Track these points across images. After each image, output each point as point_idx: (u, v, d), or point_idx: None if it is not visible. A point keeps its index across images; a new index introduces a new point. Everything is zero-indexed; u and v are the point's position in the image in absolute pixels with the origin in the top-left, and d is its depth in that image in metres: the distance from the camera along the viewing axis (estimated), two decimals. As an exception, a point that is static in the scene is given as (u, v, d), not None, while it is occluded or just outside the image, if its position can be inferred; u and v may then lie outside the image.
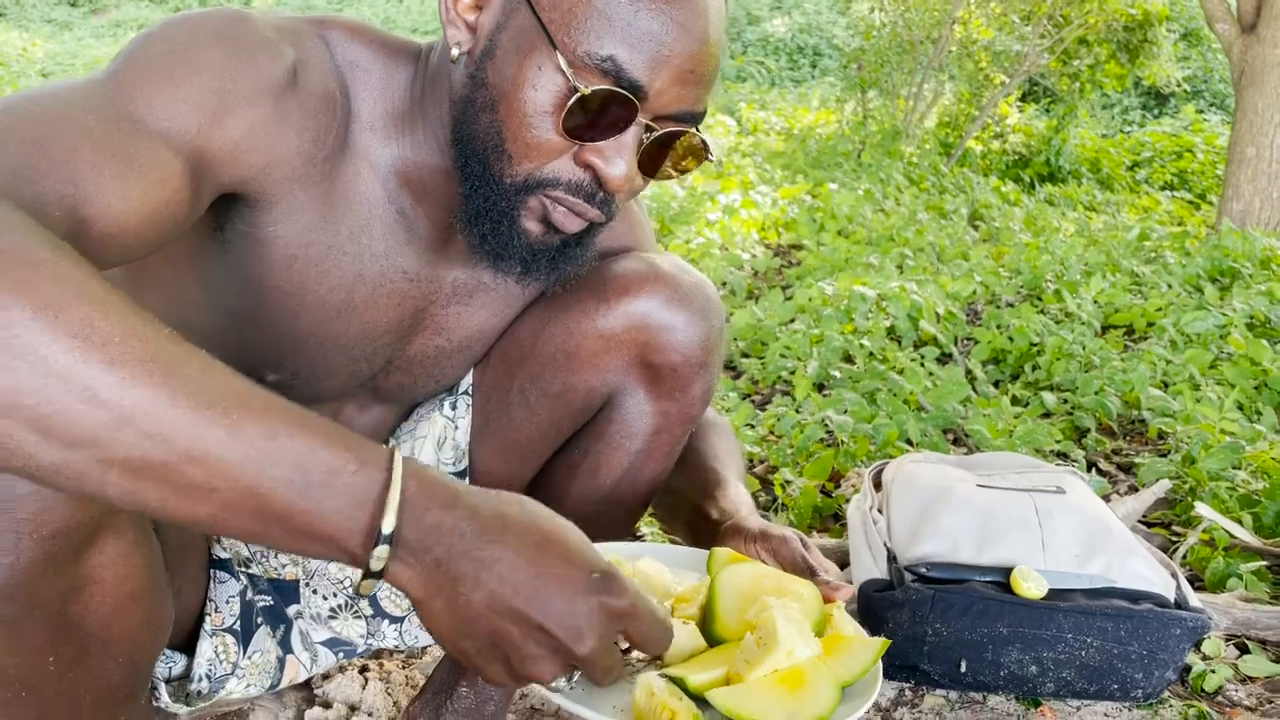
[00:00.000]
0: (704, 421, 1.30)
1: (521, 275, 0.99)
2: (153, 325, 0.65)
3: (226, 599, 1.13)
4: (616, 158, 0.93)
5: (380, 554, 0.68)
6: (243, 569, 1.18)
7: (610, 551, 0.97)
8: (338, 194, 0.98)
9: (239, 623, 1.13)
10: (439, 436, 1.19)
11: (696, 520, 1.17)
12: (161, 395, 0.63)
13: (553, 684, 0.78)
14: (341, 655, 1.23)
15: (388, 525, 0.67)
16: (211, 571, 1.14)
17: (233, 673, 1.11)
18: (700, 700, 0.83)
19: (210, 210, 0.93)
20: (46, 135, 0.75)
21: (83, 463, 0.63)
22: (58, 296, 0.62)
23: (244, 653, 1.12)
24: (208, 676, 1.09)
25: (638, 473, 1.17)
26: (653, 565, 0.99)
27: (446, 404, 1.19)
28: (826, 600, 0.97)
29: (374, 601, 1.22)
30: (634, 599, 0.73)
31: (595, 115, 0.90)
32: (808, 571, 1.00)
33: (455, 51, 0.94)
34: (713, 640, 0.92)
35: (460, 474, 1.17)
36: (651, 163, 0.96)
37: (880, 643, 0.90)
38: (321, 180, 0.96)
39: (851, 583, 1.53)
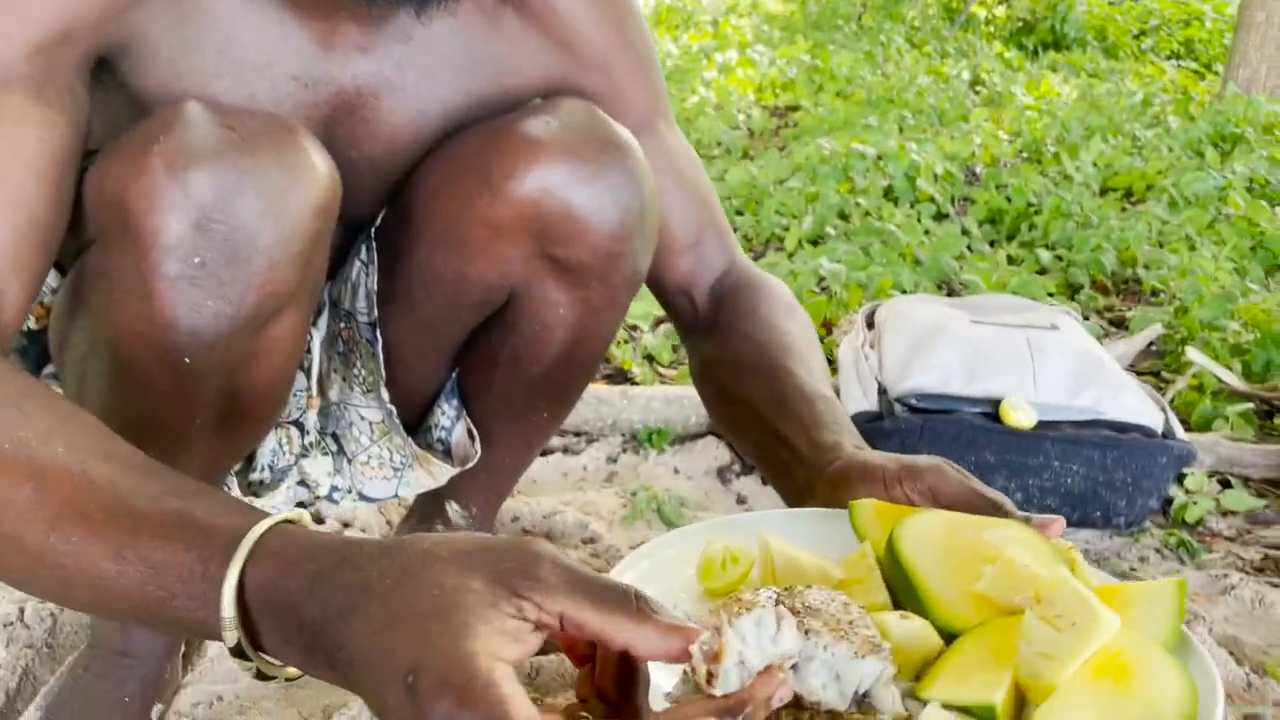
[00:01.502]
0: (757, 289, 1.08)
1: (419, 7, 0.89)
2: (28, 423, 0.62)
3: (294, 392, 1.08)
4: None
5: (244, 666, 0.59)
6: None
7: (714, 538, 0.75)
8: (193, 21, 0.88)
9: (302, 415, 1.11)
10: (355, 280, 1.08)
11: (777, 450, 0.93)
12: (20, 498, 0.60)
13: None
14: (308, 494, 1.21)
15: (229, 640, 0.57)
16: None
17: (295, 464, 1.10)
18: None
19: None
20: None
21: None
22: None
23: (305, 444, 1.12)
24: (270, 467, 1.08)
25: (572, 357, 1.06)
26: (782, 551, 0.73)
27: (363, 246, 1.07)
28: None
29: (336, 438, 1.18)
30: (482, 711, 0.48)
31: None
32: (993, 507, 0.77)
33: None
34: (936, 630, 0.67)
35: (373, 325, 1.07)
36: None
37: (1177, 584, 0.67)
38: (166, 9, 0.86)
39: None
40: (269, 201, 0.77)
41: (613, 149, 0.93)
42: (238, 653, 0.57)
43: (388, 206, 1.05)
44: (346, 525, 1.42)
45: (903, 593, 0.69)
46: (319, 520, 1.42)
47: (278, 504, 1.10)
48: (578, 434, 1.79)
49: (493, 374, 1.09)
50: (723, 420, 1.08)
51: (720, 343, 1.05)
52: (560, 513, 1.51)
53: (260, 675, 0.59)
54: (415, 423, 1.15)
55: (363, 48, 0.95)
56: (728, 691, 0.52)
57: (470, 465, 1.14)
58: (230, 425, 0.89)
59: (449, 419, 1.16)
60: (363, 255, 1.06)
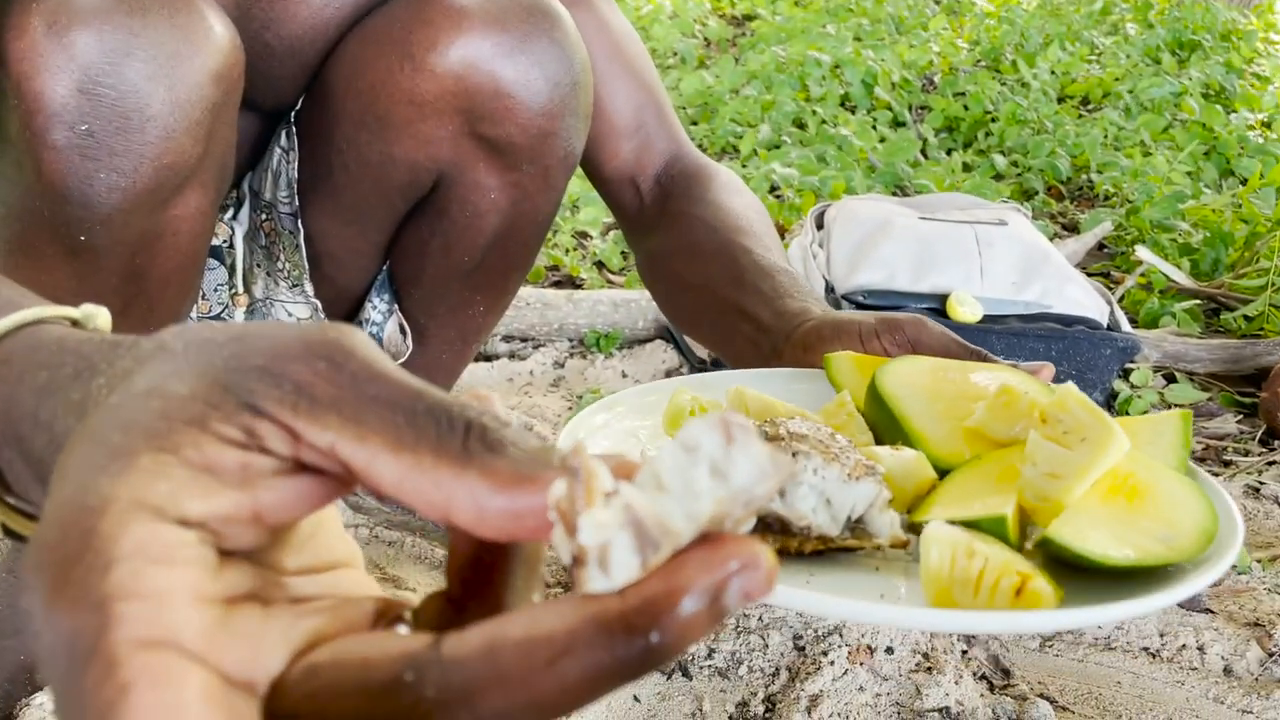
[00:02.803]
0: (705, 175, 1.05)
1: None
2: None
3: (215, 286, 1.06)
4: None
5: None
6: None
7: (680, 391, 0.68)
8: None
9: (225, 311, 1.07)
10: (275, 169, 1.03)
11: (739, 326, 0.89)
12: None
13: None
14: None
15: None
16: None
17: None
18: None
19: None
20: None
21: None
22: None
23: None
24: None
25: (506, 242, 1.00)
26: (756, 398, 0.67)
27: (283, 133, 1.01)
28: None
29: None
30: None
31: None
32: (972, 354, 0.73)
33: None
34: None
35: (294, 215, 1.02)
36: None
37: (1182, 415, 0.63)
38: None
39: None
40: (160, 65, 0.72)
41: (539, 18, 0.87)
42: None
43: (306, 93, 0.99)
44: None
45: (889, 435, 0.63)
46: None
47: None
48: (524, 339, 1.76)
49: (423, 264, 1.04)
50: (677, 310, 1.04)
51: (669, 232, 1.01)
52: (504, 415, 1.49)
53: (8, 533, 0.40)
54: (346, 319, 1.12)
55: None
56: (613, 588, 0.26)
57: (401, 361, 1.11)
58: (137, 314, 0.85)
59: (380, 314, 1.12)
60: (283, 142, 1.02)
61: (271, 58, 0.94)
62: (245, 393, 0.29)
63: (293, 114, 1.01)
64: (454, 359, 1.21)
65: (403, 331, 1.12)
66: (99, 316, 0.39)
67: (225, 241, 1.07)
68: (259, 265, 1.09)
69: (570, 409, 1.55)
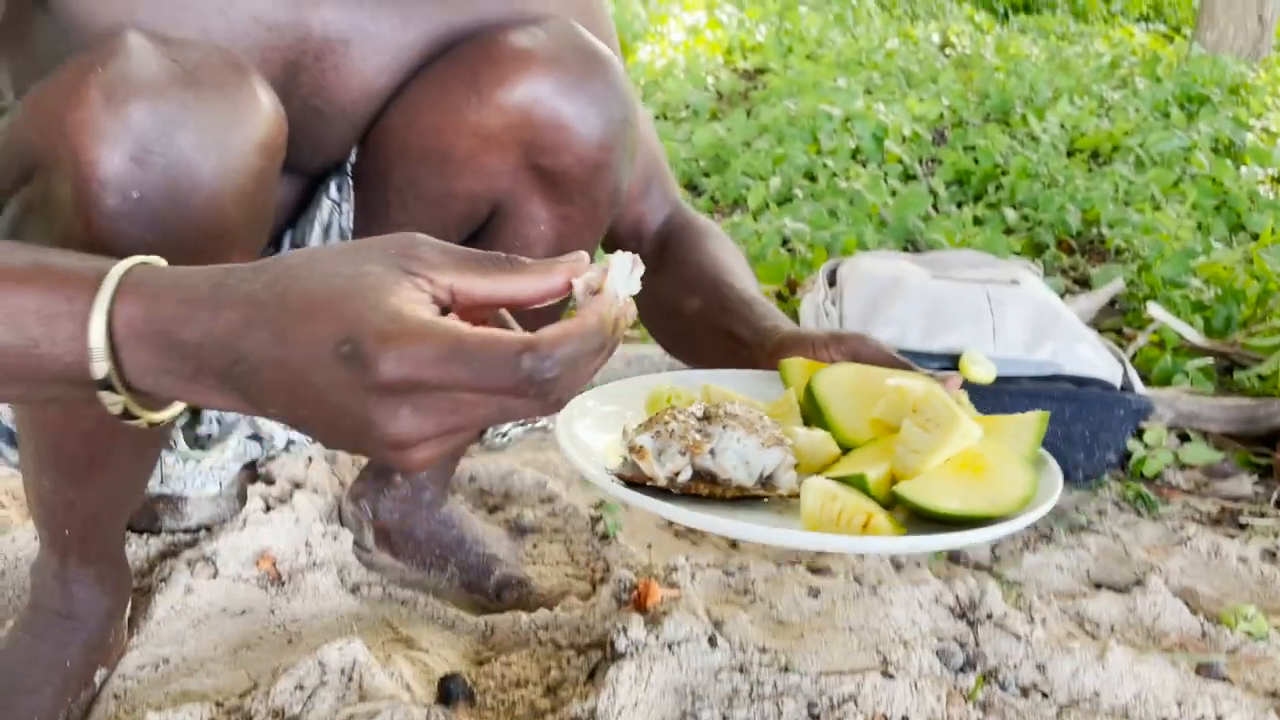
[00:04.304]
0: (699, 230, 1.15)
1: None
2: None
3: None
4: None
5: (111, 400, 0.59)
6: None
7: (659, 383, 0.84)
8: None
9: None
10: (325, 221, 1.06)
11: (723, 343, 1.01)
12: None
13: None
14: (265, 445, 1.19)
15: (98, 371, 0.57)
16: None
17: (244, 416, 1.07)
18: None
19: None
20: None
21: None
22: None
23: None
24: (218, 420, 1.06)
25: None
26: (720, 389, 0.83)
27: (332, 184, 1.05)
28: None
29: None
30: (409, 357, 0.51)
31: None
32: (903, 366, 0.85)
33: None
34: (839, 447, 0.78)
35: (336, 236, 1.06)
36: None
37: (1039, 416, 0.77)
38: None
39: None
40: (210, 135, 0.74)
41: (598, 62, 0.94)
42: (105, 385, 0.57)
43: (360, 145, 1.03)
44: (298, 485, 1.39)
45: (816, 421, 0.79)
46: (269, 481, 1.40)
47: (227, 459, 1.08)
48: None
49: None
50: (670, 336, 1.14)
51: (665, 274, 1.09)
52: (518, 472, 1.49)
53: (126, 415, 0.59)
54: None
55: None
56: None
57: None
58: None
59: None
60: (333, 194, 1.05)
61: (320, 122, 0.98)
62: (404, 266, 0.55)
63: (349, 166, 1.04)
64: None
65: None
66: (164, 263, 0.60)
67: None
68: None
69: (583, 465, 1.56)
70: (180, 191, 0.74)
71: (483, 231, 1.03)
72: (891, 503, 0.70)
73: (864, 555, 1.31)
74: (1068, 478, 1.54)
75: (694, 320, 1.05)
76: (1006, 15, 7.33)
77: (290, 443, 1.15)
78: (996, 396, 1.48)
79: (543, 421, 0.60)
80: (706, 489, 0.69)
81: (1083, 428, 1.48)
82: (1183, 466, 1.66)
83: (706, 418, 0.71)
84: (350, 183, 1.03)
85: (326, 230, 1.05)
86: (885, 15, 6.25)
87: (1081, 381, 1.51)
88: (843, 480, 0.70)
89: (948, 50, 5.50)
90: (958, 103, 3.98)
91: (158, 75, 0.73)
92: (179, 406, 0.64)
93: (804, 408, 0.80)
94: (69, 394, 0.60)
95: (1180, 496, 1.57)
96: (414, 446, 0.54)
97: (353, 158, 1.03)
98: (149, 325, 0.56)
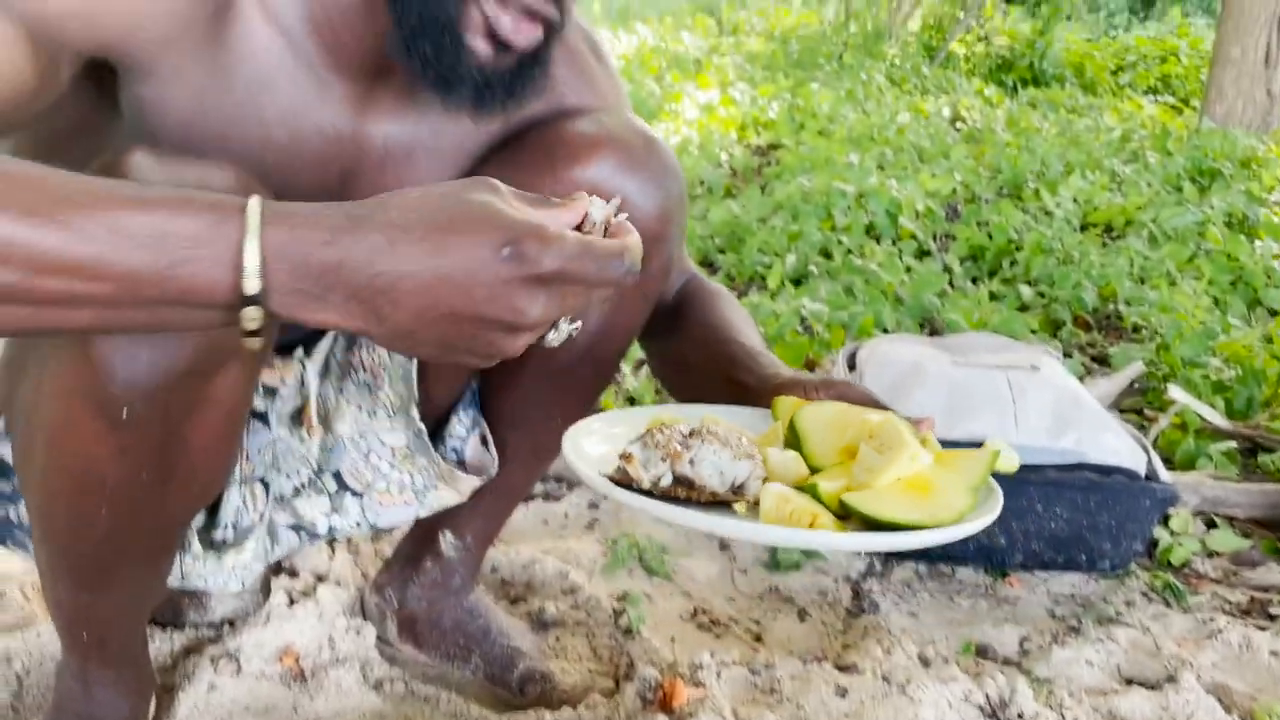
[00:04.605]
0: (710, 292, 1.23)
1: (475, 108, 0.90)
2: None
3: (259, 448, 1.09)
4: None
5: (251, 315, 0.65)
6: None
7: (664, 411, 0.94)
8: (230, 55, 0.88)
9: (267, 475, 1.11)
10: None
11: (728, 390, 1.07)
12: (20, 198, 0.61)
13: (548, 340, 0.74)
14: (304, 536, 1.20)
15: (251, 287, 0.64)
16: (248, 420, 1.11)
17: (260, 521, 1.08)
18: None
19: (95, 81, 0.86)
20: None
21: None
22: None
23: (268, 504, 1.10)
24: (233, 525, 1.07)
25: (596, 349, 1.11)
26: (715, 420, 0.92)
27: None
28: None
29: (337, 476, 1.19)
30: (561, 253, 0.66)
31: None
32: (883, 408, 0.94)
33: None
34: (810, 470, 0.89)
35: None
36: None
37: (991, 452, 0.85)
38: (207, 43, 0.87)
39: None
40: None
41: (656, 145, 1.04)
42: (251, 301, 0.64)
43: None
44: (321, 578, 1.39)
45: (793, 448, 0.88)
46: (292, 573, 1.40)
47: (245, 560, 1.08)
48: (558, 479, 1.77)
49: (523, 367, 1.11)
50: (685, 389, 1.19)
51: (678, 334, 1.16)
52: (539, 562, 1.49)
53: (251, 333, 0.66)
54: (432, 436, 1.17)
55: (398, 114, 0.97)
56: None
57: (493, 475, 1.16)
58: (179, 481, 0.88)
59: (464, 428, 1.18)
60: None
61: None
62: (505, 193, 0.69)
63: None
64: (523, 479, 1.25)
65: (485, 443, 1.17)
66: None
67: (298, 380, 1.11)
68: (349, 402, 1.13)
69: (606, 554, 1.55)
70: None
71: None
72: (844, 514, 0.80)
73: (888, 650, 1.29)
74: (1094, 567, 1.53)
75: (705, 373, 1.12)
76: (1016, 89, 7.43)
77: (333, 529, 1.16)
78: (1021, 485, 1.47)
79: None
80: (684, 493, 0.80)
81: (1108, 517, 1.47)
82: (1210, 554, 1.64)
83: (691, 434, 0.81)
84: None
85: None
86: (896, 90, 6.34)
87: (1106, 470, 1.51)
88: (800, 488, 0.81)
89: (958, 124, 5.57)
90: (970, 178, 4.01)
91: None
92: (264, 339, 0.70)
93: (786, 437, 0.90)
94: (189, 317, 0.66)
95: (1209, 586, 1.55)
96: (532, 329, 0.69)
97: None
98: (290, 247, 0.64)
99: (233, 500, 1.06)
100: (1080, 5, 9.24)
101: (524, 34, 0.87)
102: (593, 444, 0.86)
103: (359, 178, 0.99)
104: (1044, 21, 7.93)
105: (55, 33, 0.78)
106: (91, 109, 0.88)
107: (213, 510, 1.06)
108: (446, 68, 0.87)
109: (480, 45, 0.87)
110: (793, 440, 0.89)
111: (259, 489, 1.08)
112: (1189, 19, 10.19)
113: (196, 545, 1.04)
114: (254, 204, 0.64)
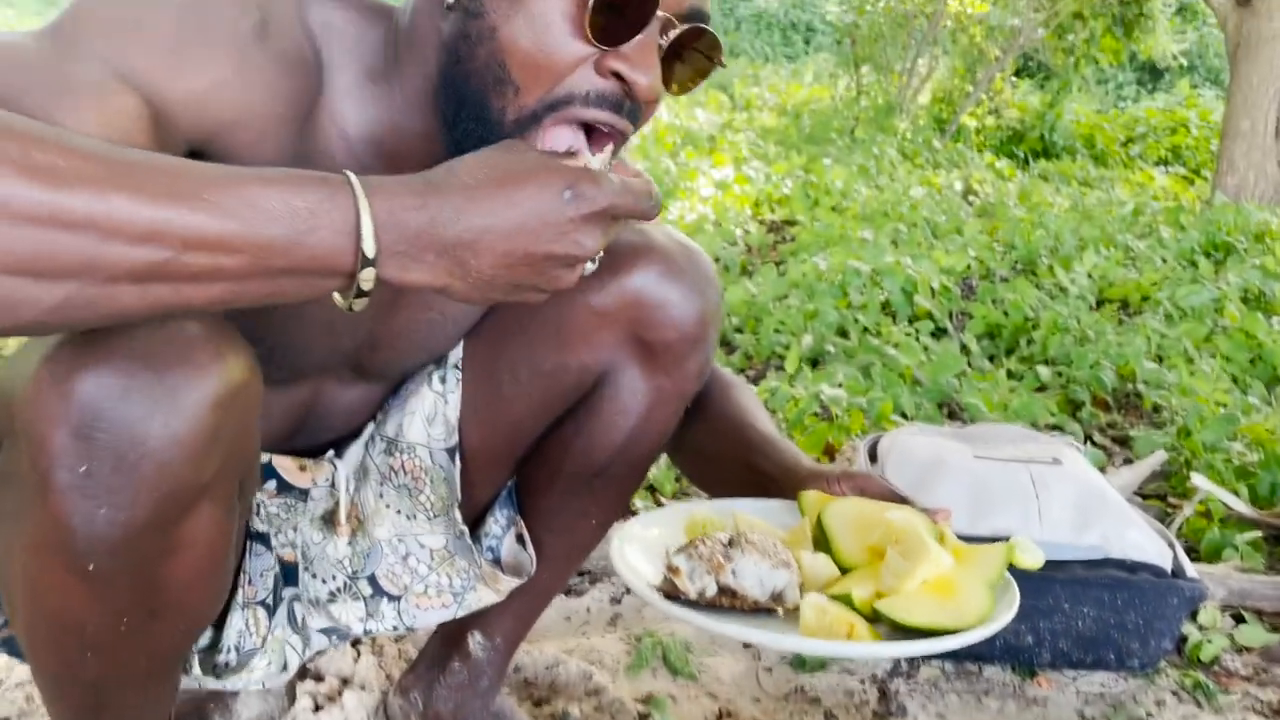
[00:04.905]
0: (725, 382, 1.27)
1: None
2: (93, 141, 0.67)
3: (261, 572, 1.11)
4: (644, 60, 0.86)
5: (366, 276, 0.72)
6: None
7: (697, 511, 1.01)
8: (307, 161, 0.93)
9: (271, 596, 1.11)
10: (429, 412, 1.15)
11: (750, 479, 1.13)
12: (134, 198, 0.65)
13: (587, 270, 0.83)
14: (335, 639, 1.21)
15: (370, 250, 0.71)
16: (248, 543, 1.12)
17: (262, 646, 1.09)
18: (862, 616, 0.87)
19: None
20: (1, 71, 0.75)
21: (89, 290, 0.65)
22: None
23: (271, 628, 1.10)
24: (236, 649, 1.07)
25: (633, 448, 1.14)
26: (748, 517, 1.00)
27: (435, 377, 1.15)
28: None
29: (373, 580, 1.20)
30: (609, 191, 0.78)
31: (617, 13, 0.85)
32: (902, 500, 1.00)
33: None
34: (840, 570, 0.94)
35: (450, 451, 1.14)
36: (668, 69, 0.91)
37: (1006, 546, 0.91)
38: (291, 145, 0.92)
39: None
40: (156, 402, 0.74)
41: (696, 254, 1.11)
42: (368, 263, 0.71)
43: (466, 338, 1.15)
44: (346, 681, 1.39)
45: (822, 547, 0.94)
46: (318, 677, 1.40)
47: (255, 679, 1.08)
48: (580, 573, 1.77)
49: (561, 466, 1.15)
50: (704, 477, 1.26)
51: (697, 424, 1.20)
52: (563, 662, 1.48)
53: (360, 295, 0.74)
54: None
55: None
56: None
57: (531, 574, 1.17)
58: (166, 619, 0.87)
59: (500, 527, 1.20)
60: (435, 386, 1.14)
61: (431, 330, 1.12)
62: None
63: (458, 361, 1.15)
64: (556, 579, 1.26)
65: (522, 542, 1.18)
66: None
67: (329, 481, 1.12)
68: (389, 505, 1.15)
69: (630, 651, 1.54)
70: (126, 462, 0.74)
71: (583, 399, 1.14)
72: (875, 617, 0.85)
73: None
74: (1123, 666, 1.51)
75: (725, 461, 1.17)
76: (1027, 161, 7.50)
77: (368, 631, 1.17)
78: (1046, 583, 1.46)
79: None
80: (728, 602, 0.86)
81: (1136, 616, 1.46)
82: (1240, 649, 1.62)
83: (731, 543, 0.87)
84: (458, 374, 1.14)
85: (430, 420, 1.15)
86: (908, 164, 6.41)
87: (1132, 566, 1.50)
88: (835, 597, 0.87)
89: (971, 198, 5.62)
90: (984, 253, 4.04)
91: (106, 349, 0.74)
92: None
93: (814, 534, 0.95)
94: (310, 284, 0.72)
95: (1240, 684, 1.53)
96: (586, 260, 0.78)
97: (459, 353, 1.15)
98: (389, 215, 0.72)
99: (235, 624, 1.06)
100: (1088, 77, 9.37)
101: (599, 157, 0.89)
102: (634, 552, 0.92)
103: (408, 296, 1.06)
104: (1053, 94, 8.03)
105: (174, 116, 0.82)
106: None
107: (219, 624, 1.07)
108: None
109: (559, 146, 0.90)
110: (820, 537, 0.95)
111: (260, 613, 1.09)
112: (1196, 90, 10.30)
113: (196, 667, 1.04)
114: (354, 178, 0.72)
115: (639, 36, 0.86)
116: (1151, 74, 11.10)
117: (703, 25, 0.91)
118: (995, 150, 7.68)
